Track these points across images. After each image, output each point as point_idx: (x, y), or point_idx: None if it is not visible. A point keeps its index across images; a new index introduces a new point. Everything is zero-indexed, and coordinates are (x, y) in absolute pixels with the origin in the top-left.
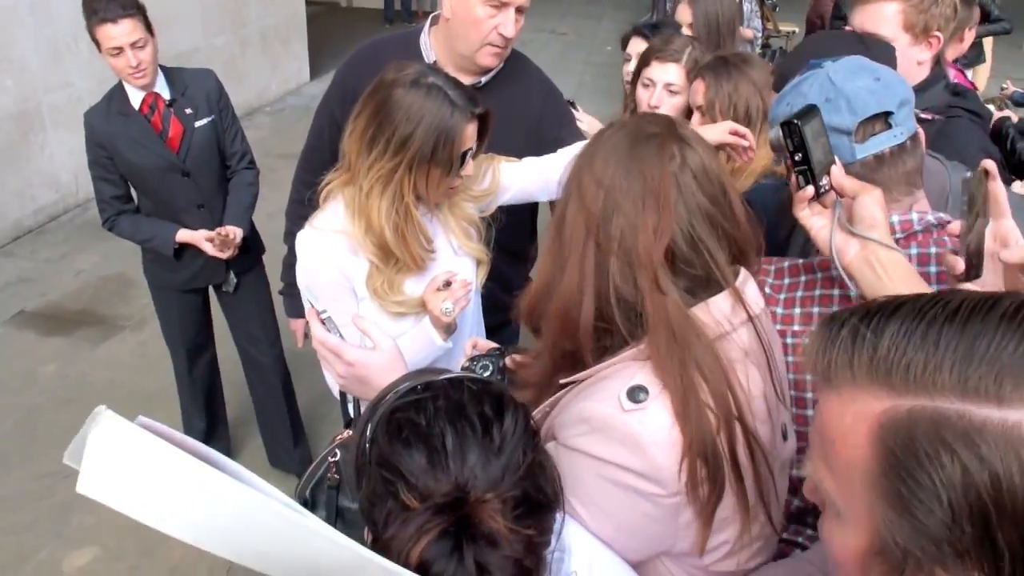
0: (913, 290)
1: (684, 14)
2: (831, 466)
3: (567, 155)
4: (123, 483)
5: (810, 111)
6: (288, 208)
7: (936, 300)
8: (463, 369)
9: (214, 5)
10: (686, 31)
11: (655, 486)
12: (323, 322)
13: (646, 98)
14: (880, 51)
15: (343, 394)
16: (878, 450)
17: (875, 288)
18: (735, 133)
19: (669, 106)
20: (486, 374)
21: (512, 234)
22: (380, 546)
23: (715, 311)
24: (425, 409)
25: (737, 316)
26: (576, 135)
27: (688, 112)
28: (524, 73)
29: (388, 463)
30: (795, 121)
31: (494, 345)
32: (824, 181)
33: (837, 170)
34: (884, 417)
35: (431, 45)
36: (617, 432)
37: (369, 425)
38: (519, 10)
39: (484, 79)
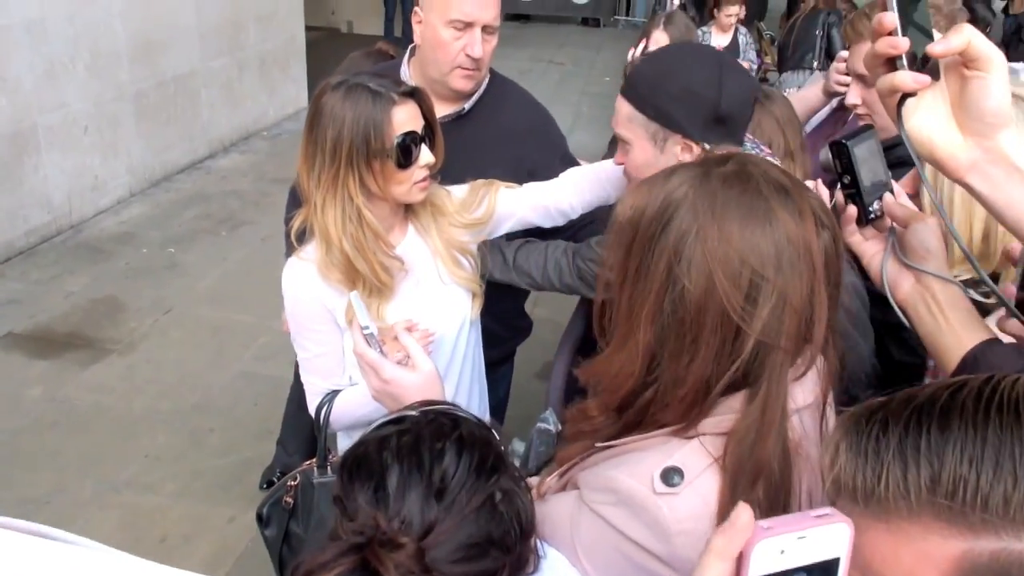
0: (972, 333)
1: (661, 39)
2: None
3: (569, 181)
4: None
5: (865, 131)
6: (287, 241)
7: (985, 402)
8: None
9: (212, 28)
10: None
11: (674, 573)
12: (366, 337)
13: None
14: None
15: (316, 422)
16: None
17: (928, 327)
18: None
19: None
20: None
21: None
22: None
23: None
24: (387, 445)
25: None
26: (568, 161)
27: None
28: (509, 97)
29: (337, 495)
30: (844, 141)
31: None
32: (876, 206)
33: (889, 197)
34: (964, 560)
35: (410, 75)
36: (644, 513)
37: (341, 458)
38: (487, 30)
39: (467, 105)
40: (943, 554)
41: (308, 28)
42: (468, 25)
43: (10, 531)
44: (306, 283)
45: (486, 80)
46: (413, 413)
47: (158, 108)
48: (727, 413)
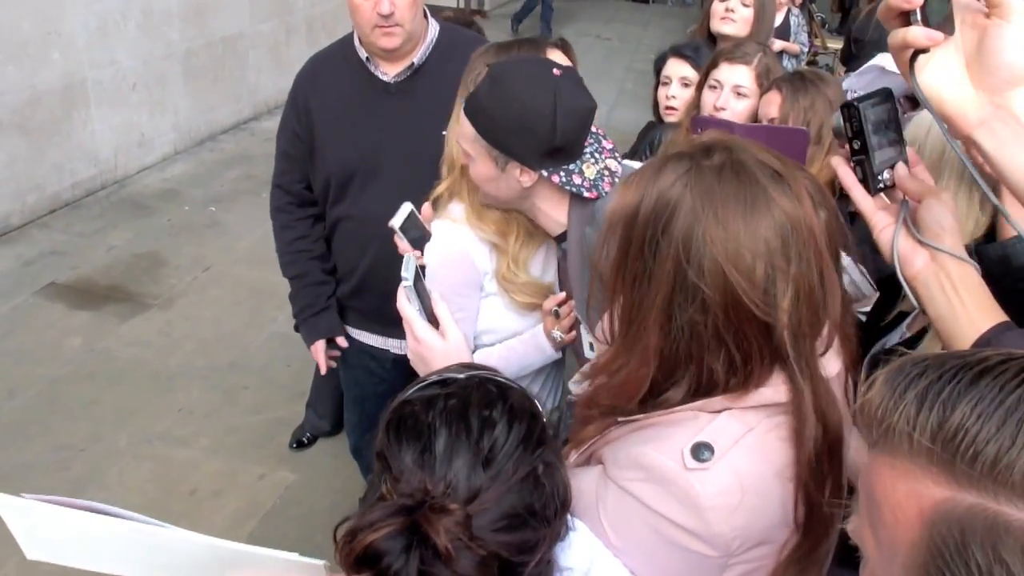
0: (987, 315)
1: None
2: (876, 531)
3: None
4: (42, 540)
5: (882, 96)
6: (277, 240)
7: None
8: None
9: None
10: (736, 2)
11: (708, 548)
12: (405, 291)
13: (711, 100)
14: None
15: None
16: (927, 540)
17: (940, 309)
18: None
19: (735, 111)
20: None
21: None
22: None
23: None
24: (433, 405)
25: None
26: None
27: (753, 118)
28: (457, 45)
29: (382, 453)
30: (855, 103)
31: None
32: (887, 175)
33: (902, 168)
34: (940, 508)
35: (357, 44)
36: (676, 489)
37: (388, 411)
38: None
39: (416, 60)
40: (928, 495)
41: None
42: None
43: (66, 507)
44: (459, 243)
45: (433, 32)
46: (459, 376)
47: (206, 68)
48: (758, 388)
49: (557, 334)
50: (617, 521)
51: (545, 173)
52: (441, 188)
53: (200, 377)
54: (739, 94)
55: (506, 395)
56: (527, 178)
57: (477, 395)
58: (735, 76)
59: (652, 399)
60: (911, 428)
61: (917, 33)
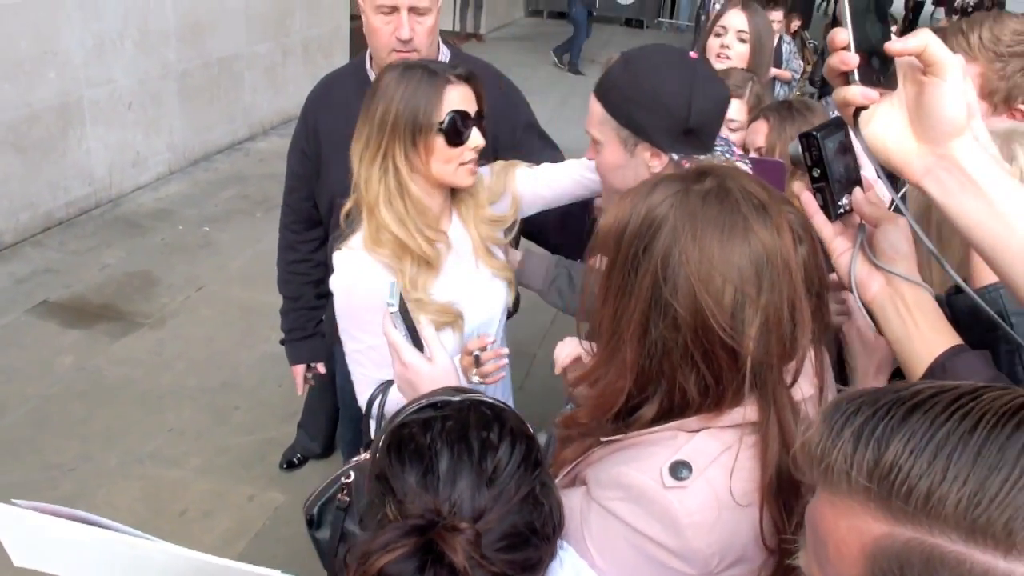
0: (941, 338)
1: (738, 20)
2: (822, 567)
3: (578, 164)
4: (30, 548)
5: (836, 124)
6: (279, 256)
7: (956, 407)
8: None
9: (259, 13)
10: (732, 39)
11: (687, 566)
12: (391, 316)
13: None
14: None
15: (367, 413)
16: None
17: (896, 332)
18: None
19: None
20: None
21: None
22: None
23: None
24: (431, 428)
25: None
26: (532, 130)
27: (745, 149)
28: None
29: (383, 476)
30: (815, 133)
31: (502, 349)
32: (845, 200)
33: (859, 193)
34: (880, 543)
35: (370, 68)
36: (655, 507)
37: (382, 437)
38: (415, 11)
39: None
40: (867, 531)
41: (353, 17)
42: (394, 9)
43: (53, 516)
44: (360, 271)
45: (444, 59)
46: (452, 399)
47: (201, 88)
48: (731, 409)
49: (475, 378)
50: (601, 541)
51: (676, 157)
52: (347, 206)
53: (191, 397)
54: (731, 129)
55: (502, 417)
56: (657, 162)
57: (474, 417)
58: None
59: (627, 416)
60: (848, 467)
61: (854, 92)
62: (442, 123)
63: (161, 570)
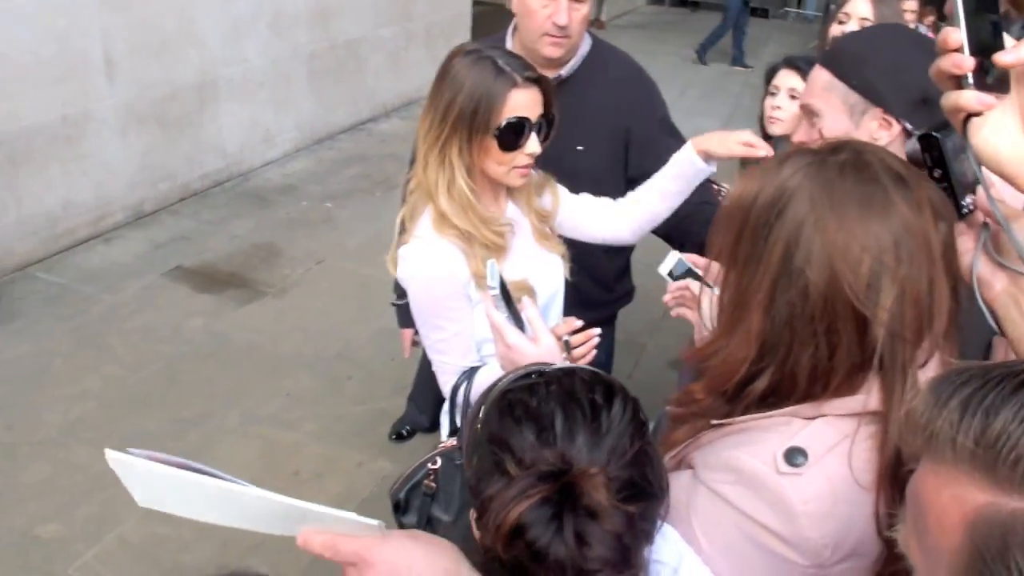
0: None
1: (862, 7)
2: (921, 539)
3: (631, 202)
4: (149, 490)
5: None
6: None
7: None
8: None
9: None
10: (854, 27)
11: (797, 554)
12: (493, 299)
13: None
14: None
15: (452, 402)
16: (968, 546)
17: (1019, 331)
18: (748, 145)
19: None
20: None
21: None
22: (479, 517)
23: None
24: (536, 392)
25: None
26: (666, 127)
27: None
28: (609, 64)
29: (498, 438)
30: (934, 134)
31: (593, 330)
32: (968, 200)
33: (982, 192)
34: (982, 512)
35: (512, 45)
36: (768, 493)
37: (483, 407)
38: None
39: (564, 72)
40: (970, 500)
41: (475, 3)
42: None
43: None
44: (435, 260)
45: (586, 47)
46: (548, 368)
47: (328, 70)
48: (850, 395)
49: (566, 363)
50: (707, 523)
51: (909, 126)
52: (412, 184)
53: (308, 365)
54: (793, 97)
55: (602, 379)
56: (885, 133)
57: (577, 380)
58: (791, 81)
59: (739, 393)
60: (955, 433)
61: (969, 97)
62: (499, 127)
63: (256, 510)
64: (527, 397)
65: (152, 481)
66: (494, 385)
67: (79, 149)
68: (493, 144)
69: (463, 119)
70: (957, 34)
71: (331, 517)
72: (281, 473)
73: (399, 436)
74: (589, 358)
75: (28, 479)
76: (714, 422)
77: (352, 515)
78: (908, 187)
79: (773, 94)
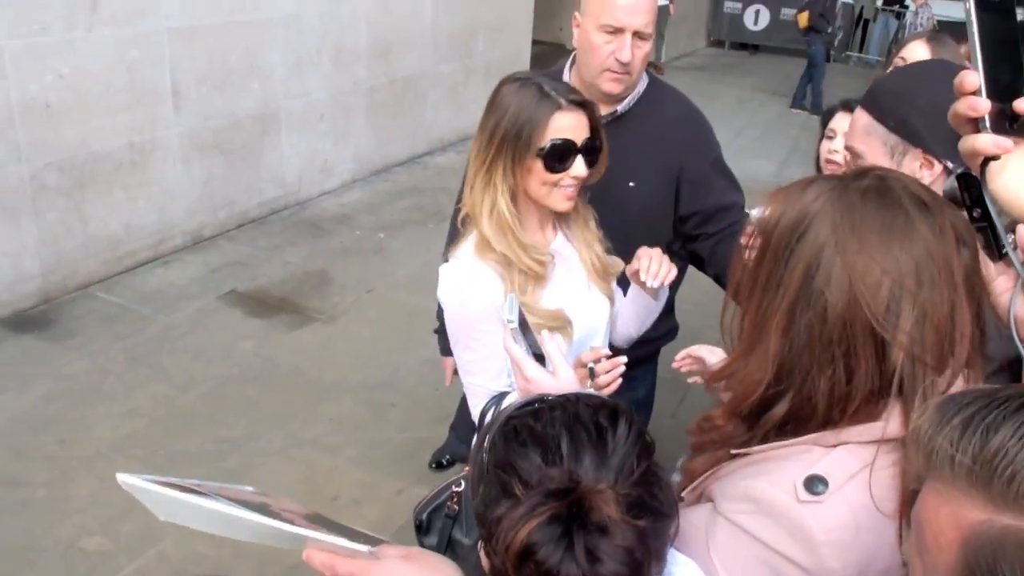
0: None
1: (920, 51)
2: (922, 556)
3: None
4: (161, 509)
5: None
6: (445, 250)
7: None
8: None
9: (446, 35)
10: None
11: None
12: (511, 332)
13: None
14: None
15: (480, 425)
16: (962, 562)
17: None
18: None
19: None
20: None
21: None
22: (488, 541)
23: None
24: (541, 417)
25: None
26: (719, 167)
27: None
28: (665, 102)
29: (504, 463)
30: (972, 173)
31: (619, 358)
32: (1009, 239)
33: (1022, 231)
34: (976, 529)
35: (570, 78)
36: (788, 522)
37: (487, 436)
38: (638, 36)
39: (620, 108)
40: (965, 517)
41: (535, 42)
42: (619, 30)
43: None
44: (471, 282)
45: (643, 85)
46: (552, 396)
47: (387, 104)
48: (870, 421)
49: (591, 391)
50: (727, 555)
51: (951, 165)
52: (463, 212)
53: (352, 391)
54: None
55: (607, 403)
56: (927, 172)
57: (581, 405)
58: (848, 124)
59: (758, 418)
60: (954, 451)
61: (986, 141)
62: (543, 148)
63: (271, 535)
64: (532, 422)
65: (162, 502)
66: (499, 415)
67: (144, 175)
68: (538, 165)
69: (508, 141)
70: (974, 76)
71: (325, 543)
72: (320, 497)
73: (439, 465)
74: (614, 387)
75: (76, 492)
76: (734, 451)
77: (343, 541)
78: (931, 212)
79: (830, 137)
